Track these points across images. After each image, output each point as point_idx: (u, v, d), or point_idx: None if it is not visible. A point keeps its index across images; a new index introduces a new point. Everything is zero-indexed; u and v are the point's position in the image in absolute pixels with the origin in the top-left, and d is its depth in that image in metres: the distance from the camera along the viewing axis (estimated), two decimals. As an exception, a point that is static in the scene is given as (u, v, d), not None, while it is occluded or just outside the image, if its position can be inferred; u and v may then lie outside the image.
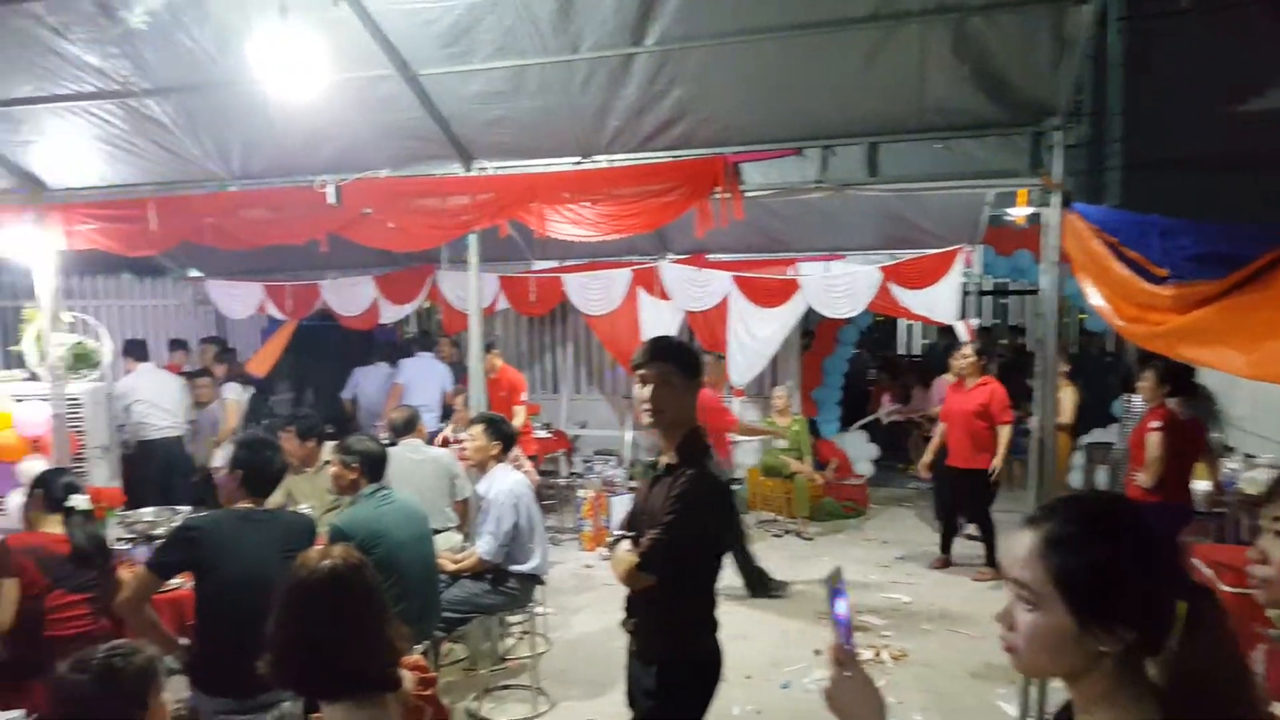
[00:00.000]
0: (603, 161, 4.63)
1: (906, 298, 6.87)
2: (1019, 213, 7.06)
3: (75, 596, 3.26)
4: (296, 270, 8.25)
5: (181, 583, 3.55)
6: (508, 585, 4.38)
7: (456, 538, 4.91)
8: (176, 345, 7.96)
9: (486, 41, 4.05)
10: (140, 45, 4.29)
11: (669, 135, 4.45)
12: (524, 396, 7.29)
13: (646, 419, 2.62)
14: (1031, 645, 1.20)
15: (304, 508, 4.45)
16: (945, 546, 6.84)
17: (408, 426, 5.17)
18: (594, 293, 7.79)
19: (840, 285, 7.07)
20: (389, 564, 3.29)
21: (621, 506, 7.34)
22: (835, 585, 1.42)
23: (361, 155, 4.94)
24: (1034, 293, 6.73)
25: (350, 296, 8.16)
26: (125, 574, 3.55)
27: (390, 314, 8.22)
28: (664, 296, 7.51)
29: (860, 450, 9.12)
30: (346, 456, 3.73)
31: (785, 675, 4.87)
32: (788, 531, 7.77)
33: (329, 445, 4.56)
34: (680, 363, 2.61)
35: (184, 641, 3.16)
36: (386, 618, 1.92)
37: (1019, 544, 1.23)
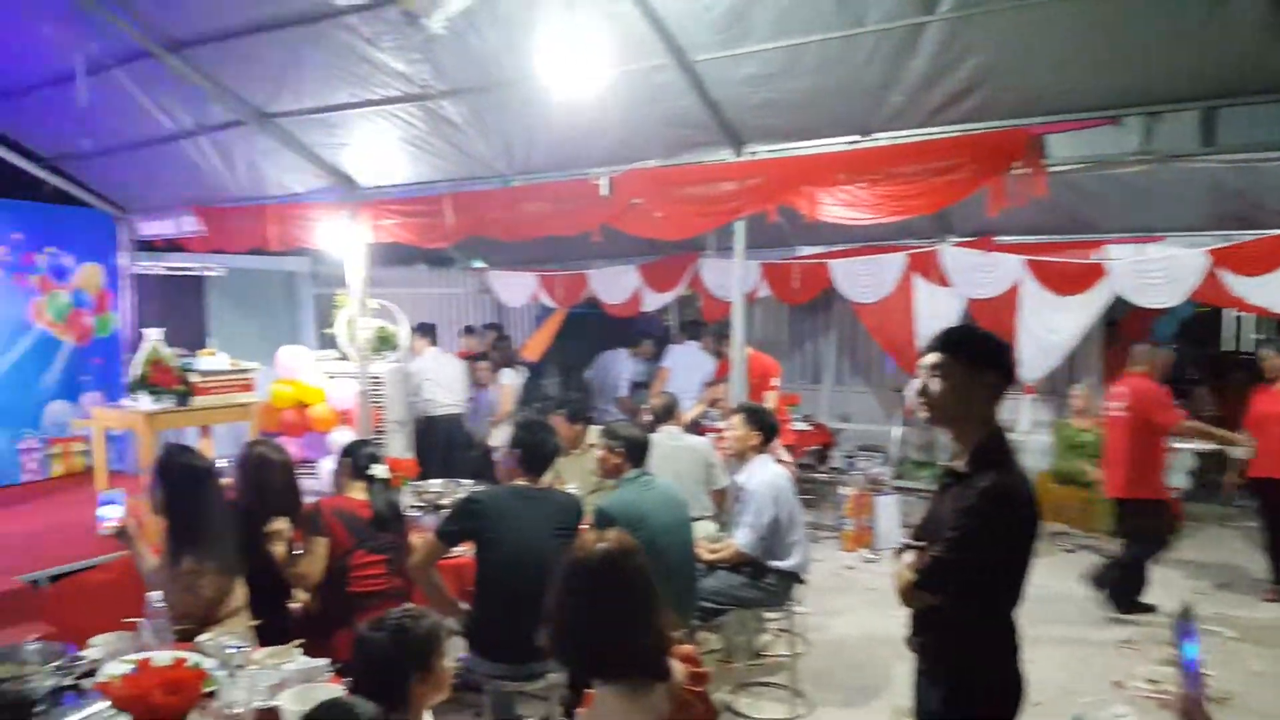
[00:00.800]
0: (883, 139, 4.44)
1: (1240, 286, 6.01)
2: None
3: (374, 557, 3.59)
4: (566, 260, 8.73)
5: (464, 550, 3.87)
6: (766, 581, 4.35)
7: (712, 527, 4.96)
8: (469, 331, 8.76)
9: (763, 22, 4.01)
10: (439, 50, 4.67)
11: (960, 108, 4.16)
12: (776, 382, 7.20)
13: (922, 414, 2.46)
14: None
15: (570, 488, 4.71)
16: (1278, 574, 5.94)
17: (667, 413, 5.29)
18: (863, 279, 7.53)
19: (1157, 271, 6.32)
20: (649, 548, 3.34)
21: (887, 507, 7.11)
22: (1186, 625, 1.25)
23: (633, 146, 5.09)
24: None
25: (615, 285, 8.51)
26: (415, 539, 3.90)
27: (652, 302, 8.48)
28: (943, 282, 7.11)
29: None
30: (612, 441, 3.86)
31: (1079, 707, 4.44)
32: (1083, 547, 7.08)
33: (593, 429, 4.79)
34: (966, 355, 2.38)
35: (464, 606, 3.46)
36: (658, 604, 1.96)
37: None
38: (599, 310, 8.90)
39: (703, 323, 8.69)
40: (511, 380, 7.59)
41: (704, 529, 4.77)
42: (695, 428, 6.32)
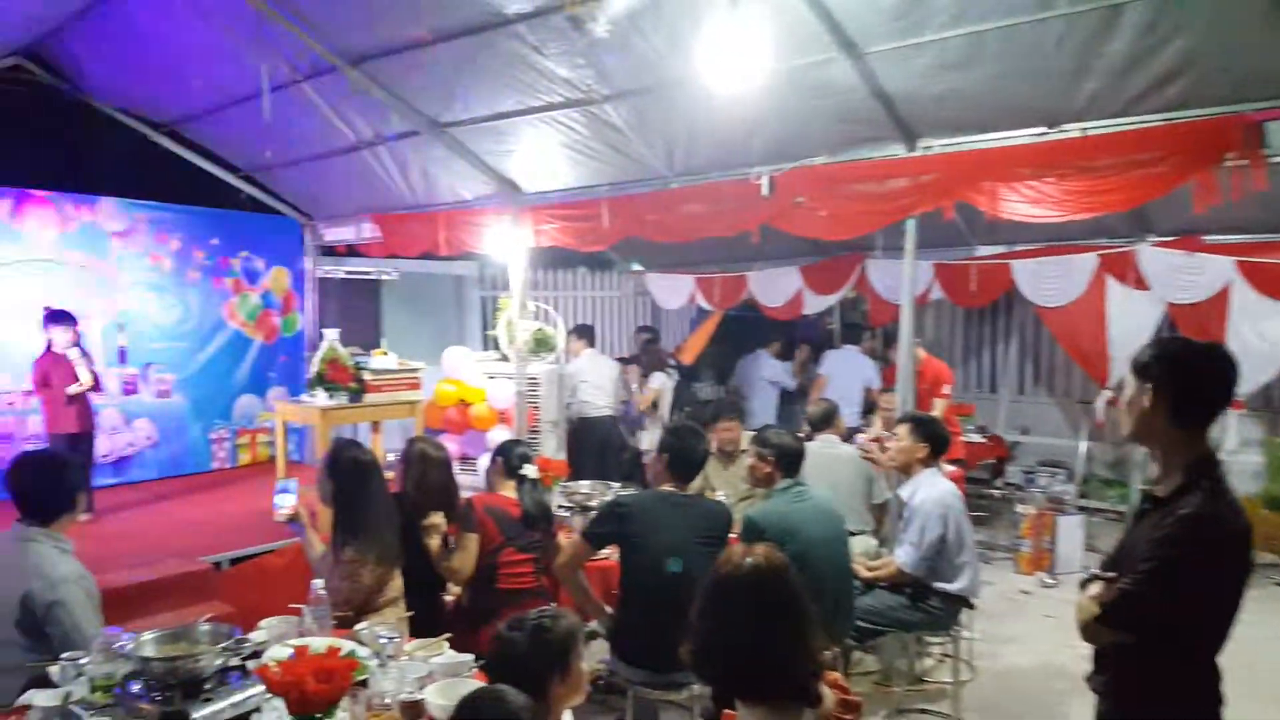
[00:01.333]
0: (1073, 131, 4.12)
1: None
2: None
3: (522, 555, 3.66)
4: (724, 262, 8.68)
5: (610, 553, 3.85)
6: (929, 603, 4.12)
7: (872, 543, 4.76)
8: (642, 331, 8.90)
9: (940, 9, 3.79)
10: (602, 54, 4.72)
11: (1163, 95, 3.80)
12: (947, 390, 6.86)
13: (1122, 430, 2.24)
14: None
15: (720, 495, 4.64)
16: None
17: (825, 421, 5.13)
18: (1049, 281, 7.03)
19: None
20: (800, 562, 3.21)
21: (1069, 528, 6.63)
22: None
23: (796, 143, 4.97)
24: None
25: (775, 287, 8.36)
26: (563, 539, 3.96)
27: (814, 305, 8.27)
28: (1140, 286, 6.54)
29: None
30: (763, 449, 3.77)
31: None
32: (1300, 583, 6.35)
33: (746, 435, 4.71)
34: (1168, 374, 2.14)
35: (609, 610, 3.45)
36: (808, 625, 1.86)
37: None
38: (757, 313, 8.78)
39: (864, 326, 8.42)
40: (662, 383, 7.60)
41: (862, 544, 4.59)
42: (850, 437, 6.10)
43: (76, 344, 5.73)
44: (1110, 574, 2.21)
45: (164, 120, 7.38)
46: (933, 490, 4.11)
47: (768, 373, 8.59)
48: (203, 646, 2.32)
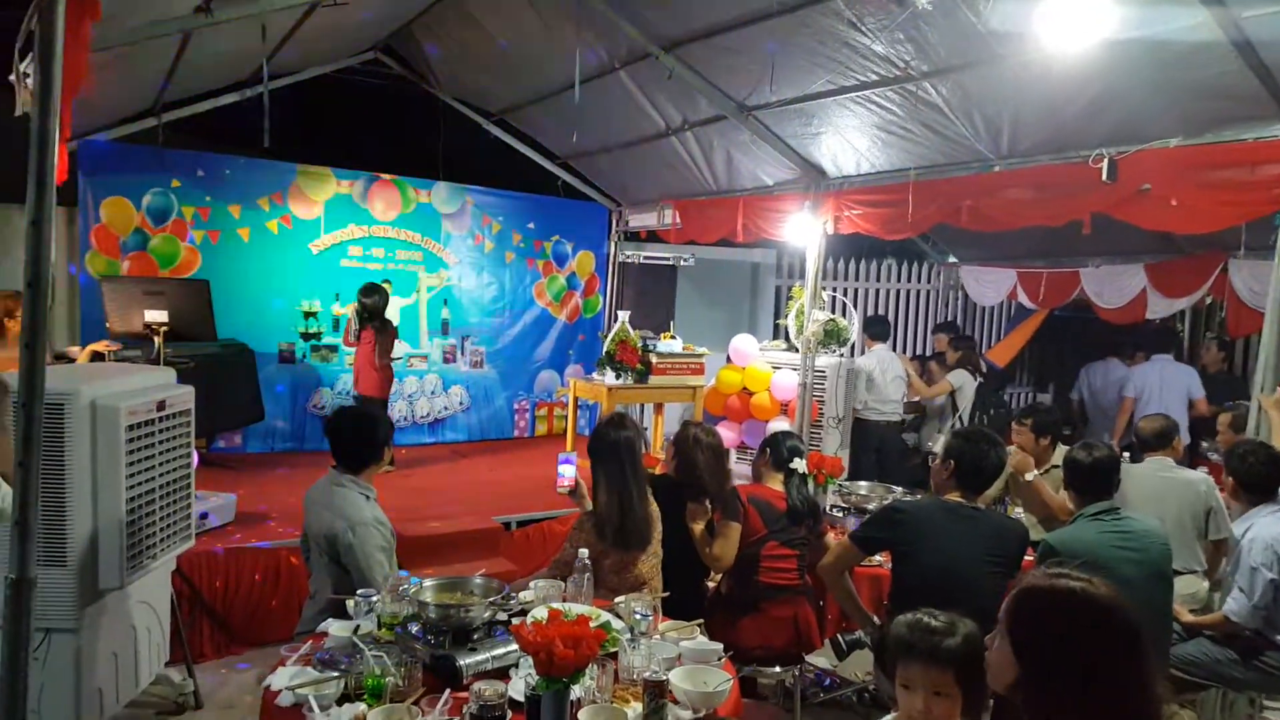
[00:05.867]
0: None
1: None
2: None
3: (786, 551, 3.62)
4: (1052, 256, 7.97)
5: (882, 561, 3.71)
6: (1264, 659, 3.53)
7: (1202, 585, 4.14)
8: (943, 329, 8.45)
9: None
10: (923, 28, 4.51)
11: None
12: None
13: None
14: None
15: (1018, 513, 4.26)
16: None
17: (1159, 440, 4.48)
18: None
19: None
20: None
21: None
22: None
23: (1145, 124, 4.43)
24: None
25: (1114, 286, 7.51)
26: (831, 539, 3.87)
27: (1159, 308, 7.34)
28: None
29: None
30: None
31: None
32: None
33: (1062, 448, 4.26)
34: None
35: (876, 620, 3.29)
36: (1144, 672, 1.57)
37: None
38: (1090, 314, 7.93)
39: (1174, 331, 7.36)
40: (958, 383, 7.11)
41: (1189, 585, 4.02)
42: (1189, 458, 5.33)
43: (377, 318, 6.39)
44: None
45: (494, 109, 8.16)
46: (1271, 528, 3.52)
47: (1118, 384, 7.69)
48: (475, 599, 2.52)
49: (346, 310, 6.79)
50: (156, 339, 4.92)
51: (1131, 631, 1.58)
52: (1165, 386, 6.79)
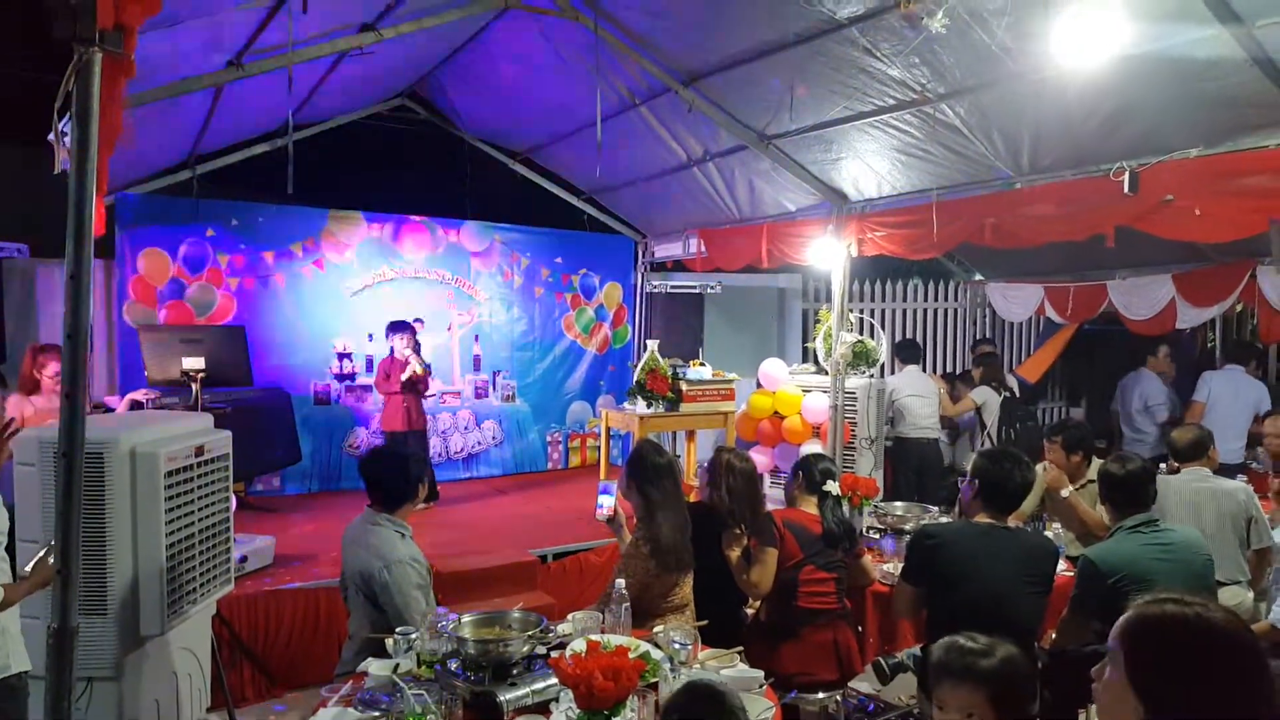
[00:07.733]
0: None
1: None
2: None
3: (823, 574, 3.54)
4: (1078, 270, 7.88)
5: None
6: (1316, 673, 3.38)
7: (1246, 595, 4.02)
8: (979, 345, 8.38)
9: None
10: (938, 50, 4.50)
11: None
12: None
13: None
14: None
15: (1056, 529, 4.17)
16: None
17: (1194, 450, 4.41)
18: None
19: None
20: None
21: None
22: None
23: (1164, 135, 4.37)
24: None
25: (1142, 298, 7.39)
26: (868, 561, 3.84)
27: (1189, 318, 7.21)
28: None
29: None
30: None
31: None
32: None
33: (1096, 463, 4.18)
34: None
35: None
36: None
37: None
38: (1119, 327, 7.80)
39: (1252, 344, 7.19)
40: (982, 399, 7.01)
41: (1234, 596, 3.91)
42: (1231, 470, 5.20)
43: (414, 349, 6.47)
44: None
45: (519, 149, 8.25)
46: None
47: (1148, 393, 7.54)
48: (513, 633, 2.50)
49: (401, 350, 6.62)
50: (194, 385, 4.98)
51: (1259, 655, 1.42)
52: (1235, 397, 6.64)
